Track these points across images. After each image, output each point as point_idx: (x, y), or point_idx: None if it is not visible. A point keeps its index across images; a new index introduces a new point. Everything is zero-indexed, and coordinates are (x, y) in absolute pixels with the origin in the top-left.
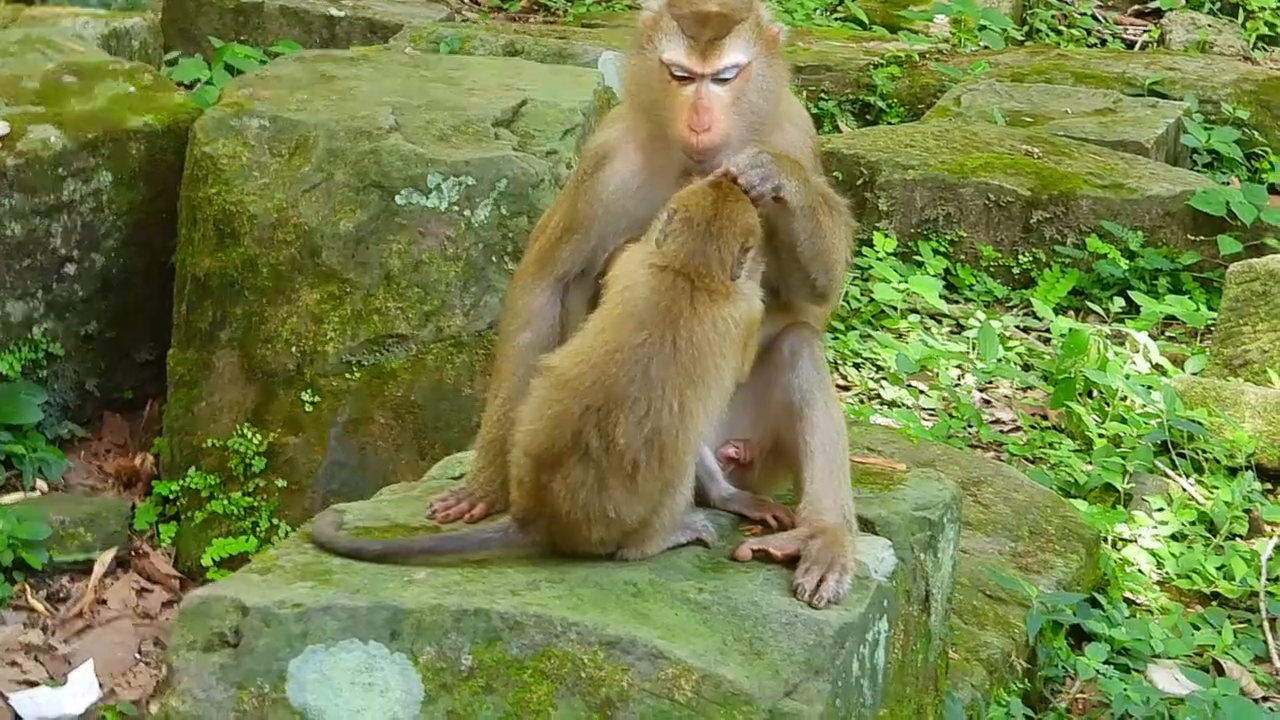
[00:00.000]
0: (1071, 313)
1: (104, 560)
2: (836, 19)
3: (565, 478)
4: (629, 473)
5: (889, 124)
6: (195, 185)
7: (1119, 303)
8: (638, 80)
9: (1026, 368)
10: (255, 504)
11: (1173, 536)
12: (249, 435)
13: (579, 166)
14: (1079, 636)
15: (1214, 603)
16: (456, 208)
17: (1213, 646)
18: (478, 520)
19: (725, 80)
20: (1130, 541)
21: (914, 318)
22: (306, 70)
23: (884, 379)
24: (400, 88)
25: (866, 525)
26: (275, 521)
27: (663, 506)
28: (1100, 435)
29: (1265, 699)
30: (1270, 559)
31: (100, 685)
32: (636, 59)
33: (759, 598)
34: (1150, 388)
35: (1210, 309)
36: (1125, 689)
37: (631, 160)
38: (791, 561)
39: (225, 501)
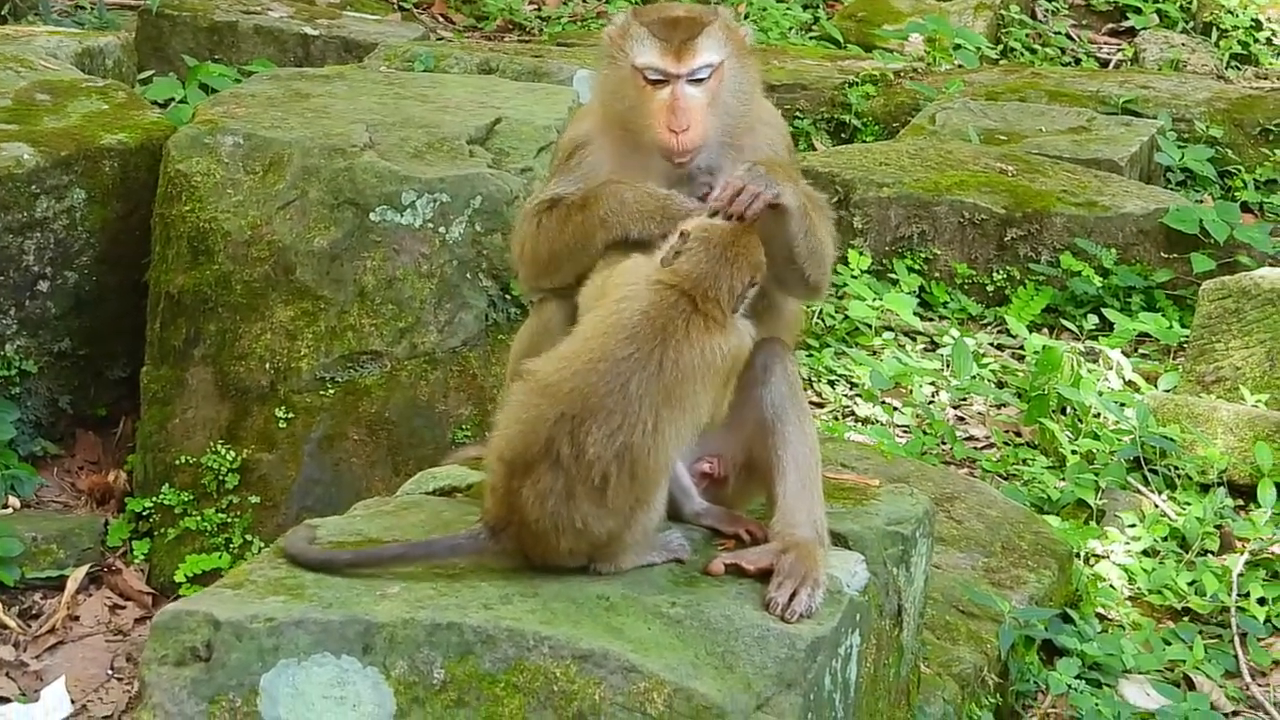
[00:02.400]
0: (1045, 330)
1: (77, 577)
2: (811, 38)
3: (535, 484)
4: (598, 485)
5: (864, 142)
6: (169, 203)
7: (1092, 320)
8: (610, 91)
9: (1000, 385)
10: (229, 520)
11: (1145, 552)
12: (222, 452)
13: (554, 157)
14: (1051, 651)
15: (1185, 618)
16: (431, 225)
17: (1184, 662)
18: None
19: (700, 80)
20: (1102, 557)
21: (888, 335)
22: (281, 88)
23: (858, 396)
24: (375, 106)
25: (839, 540)
26: (249, 538)
27: (634, 522)
28: (1073, 452)
29: (1236, 714)
30: (1241, 575)
31: (72, 701)
32: (608, 69)
33: (731, 612)
34: (1123, 404)
35: (1183, 326)
36: (1096, 704)
37: (607, 151)
38: (764, 576)
39: (199, 518)
